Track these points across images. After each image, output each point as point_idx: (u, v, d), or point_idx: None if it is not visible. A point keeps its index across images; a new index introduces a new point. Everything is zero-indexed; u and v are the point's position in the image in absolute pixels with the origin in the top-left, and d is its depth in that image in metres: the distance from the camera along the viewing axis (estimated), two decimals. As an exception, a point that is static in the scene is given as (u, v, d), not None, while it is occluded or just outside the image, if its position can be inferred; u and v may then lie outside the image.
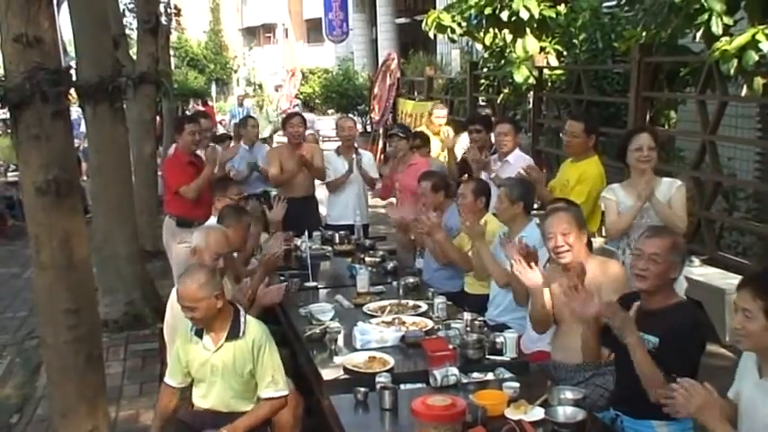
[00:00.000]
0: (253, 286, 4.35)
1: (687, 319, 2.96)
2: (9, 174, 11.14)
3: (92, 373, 3.78)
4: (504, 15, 8.50)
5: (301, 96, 22.14)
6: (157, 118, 9.12)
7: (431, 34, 10.24)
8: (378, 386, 3.17)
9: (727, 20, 5.80)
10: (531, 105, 9.60)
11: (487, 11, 8.63)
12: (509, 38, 9.02)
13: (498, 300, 4.24)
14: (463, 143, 6.80)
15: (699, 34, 6.00)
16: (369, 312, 4.21)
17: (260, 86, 31.15)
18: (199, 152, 6.10)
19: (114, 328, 6.08)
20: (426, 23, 9.91)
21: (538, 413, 2.90)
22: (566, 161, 5.35)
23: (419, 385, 3.27)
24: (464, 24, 9.45)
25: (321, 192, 6.86)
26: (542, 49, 8.97)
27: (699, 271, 5.88)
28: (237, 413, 3.42)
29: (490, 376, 3.36)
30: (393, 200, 6.76)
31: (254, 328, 3.43)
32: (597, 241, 5.02)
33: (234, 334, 3.39)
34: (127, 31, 9.13)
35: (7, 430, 4.78)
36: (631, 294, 3.11)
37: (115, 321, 6.12)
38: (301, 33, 33.65)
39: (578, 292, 3.11)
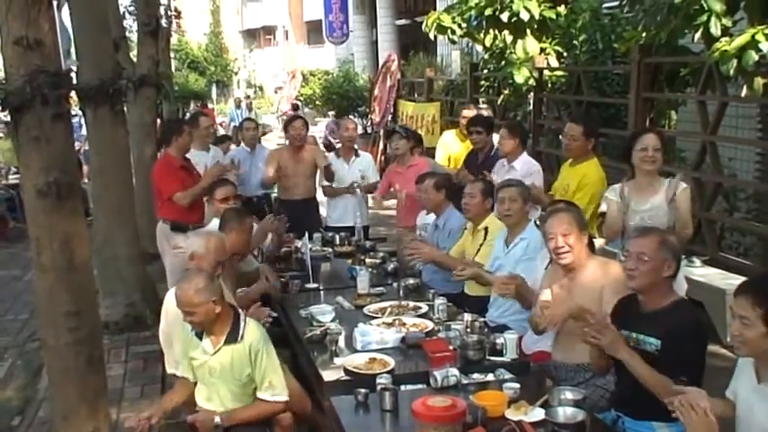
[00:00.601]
0: (243, 303, 4.18)
1: (688, 318, 2.95)
2: (10, 176, 11.16)
3: (93, 374, 3.78)
4: (505, 16, 8.49)
5: (301, 98, 22.13)
6: (158, 120, 9.09)
7: (431, 35, 10.22)
8: (378, 387, 3.18)
9: (726, 20, 5.80)
10: (531, 106, 9.60)
11: (488, 12, 8.62)
12: (509, 39, 9.01)
13: (499, 301, 4.24)
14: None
15: (698, 35, 6.00)
16: (369, 314, 4.22)
17: (260, 88, 31.18)
18: (188, 155, 6.00)
19: (115, 329, 6.08)
20: (426, 25, 9.90)
21: (538, 414, 2.90)
22: (565, 164, 5.35)
23: (419, 386, 3.28)
24: (464, 25, 9.44)
25: (321, 194, 6.87)
26: (542, 50, 8.97)
27: (699, 271, 5.87)
28: (238, 414, 3.43)
29: (490, 377, 3.37)
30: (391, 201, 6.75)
31: (252, 332, 3.42)
32: (599, 242, 5.02)
33: (232, 338, 3.39)
34: (127, 34, 9.13)
35: (9, 432, 4.79)
36: (630, 295, 3.11)
37: (116, 323, 6.12)
38: (301, 35, 33.68)
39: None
